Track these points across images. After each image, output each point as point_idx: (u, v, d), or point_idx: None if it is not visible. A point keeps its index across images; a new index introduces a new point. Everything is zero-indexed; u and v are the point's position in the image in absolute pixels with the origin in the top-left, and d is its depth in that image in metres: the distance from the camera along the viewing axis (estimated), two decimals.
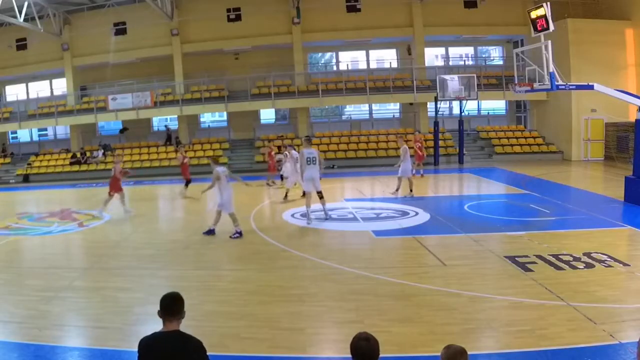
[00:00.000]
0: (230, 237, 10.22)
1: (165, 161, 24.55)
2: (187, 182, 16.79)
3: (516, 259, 7.90)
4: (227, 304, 6.54)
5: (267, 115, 27.91)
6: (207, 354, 3.15)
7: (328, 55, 29.00)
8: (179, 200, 16.76)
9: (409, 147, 14.91)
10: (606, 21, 21.73)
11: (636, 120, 12.38)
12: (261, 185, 17.76)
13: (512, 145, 24.36)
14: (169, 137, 26.27)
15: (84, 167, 24.61)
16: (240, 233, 10.33)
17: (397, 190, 14.29)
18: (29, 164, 25.42)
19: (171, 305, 3.18)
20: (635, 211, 11.34)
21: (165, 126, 27.17)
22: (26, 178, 24.31)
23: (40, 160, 25.76)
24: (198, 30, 25.33)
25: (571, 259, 7.79)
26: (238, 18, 25.33)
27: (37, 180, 24.01)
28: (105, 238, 11.18)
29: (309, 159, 11.27)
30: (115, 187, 13.71)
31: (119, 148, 26.06)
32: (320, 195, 11.50)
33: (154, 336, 3.16)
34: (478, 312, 5.98)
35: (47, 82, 28.60)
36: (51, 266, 8.62)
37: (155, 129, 28.29)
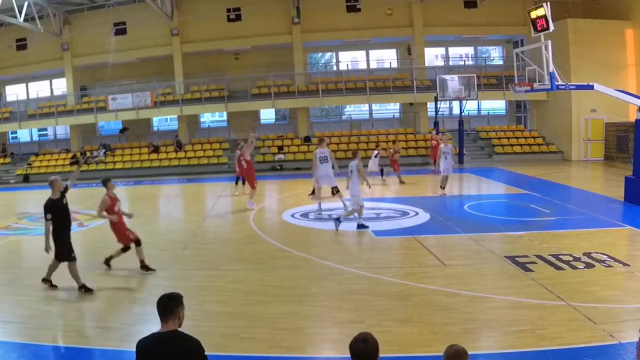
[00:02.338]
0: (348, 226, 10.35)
1: (165, 161, 24.56)
2: (240, 179, 16.27)
3: (516, 259, 7.90)
4: (227, 304, 6.54)
5: (267, 115, 27.91)
6: (206, 353, 3.14)
7: (328, 55, 28.99)
8: (179, 200, 16.76)
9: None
10: (606, 21, 21.72)
11: (636, 120, 12.38)
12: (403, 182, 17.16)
13: (512, 145, 24.36)
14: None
15: (84, 167, 24.59)
16: (362, 226, 10.41)
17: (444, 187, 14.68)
18: (29, 164, 25.42)
19: (166, 305, 3.16)
20: (635, 211, 11.34)
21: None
22: (26, 178, 24.29)
23: (40, 160, 25.76)
24: (198, 30, 25.33)
25: (571, 259, 7.79)
26: (238, 18, 25.33)
27: (37, 180, 23.98)
28: (105, 238, 11.12)
29: (321, 158, 12.04)
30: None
31: (119, 148, 26.07)
32: (335, 190, 12.20)
33: (152, 337, 3.13)
34: (478, 312, 5.98)
35: (47, 82, 28.57)
36: None
37: (155, 129, 28.30)
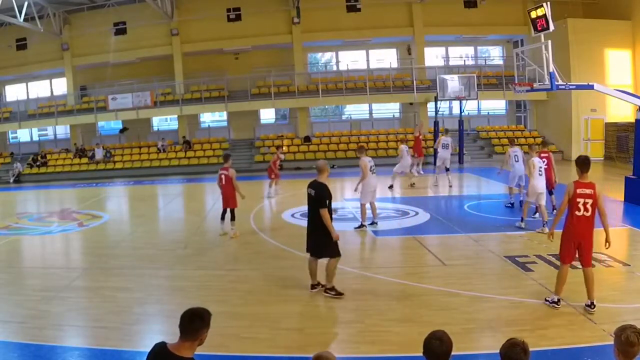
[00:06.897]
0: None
1: (165, 161, 24.58)
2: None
3: (516, 259, 7.90)
4: (227, 304, 6.53)
5: (267, 115, 27.93)
6: (206, 353, 3.09)
7: (328, 55, 29.01)
8: (179, 200, 16.74)
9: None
10: (606, 21, 21.72)
11: (636, 120, 12.39)
12: None
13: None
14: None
15: (84, 167, 24.60)
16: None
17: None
18: (29, 164, 25.42)
19: (191, 322, 2.86)
20: (635, 211, 11.33)
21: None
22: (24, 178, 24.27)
23: (41, 160, 25.74)
24: (198, 30, 25.34)
25: None
26: (238, 18, 25.34)
27: (37, 180, 24.00)
28: (105, 238, 11.17)
29: None
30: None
31: (118, 148, 26.07)
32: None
33: (162, 353, 2.87)
34: (478, 312, 5.97)
35: (47, 82, 28.59)
36: (51, 266, 8.61)
37: (155, 129, 28.30)
